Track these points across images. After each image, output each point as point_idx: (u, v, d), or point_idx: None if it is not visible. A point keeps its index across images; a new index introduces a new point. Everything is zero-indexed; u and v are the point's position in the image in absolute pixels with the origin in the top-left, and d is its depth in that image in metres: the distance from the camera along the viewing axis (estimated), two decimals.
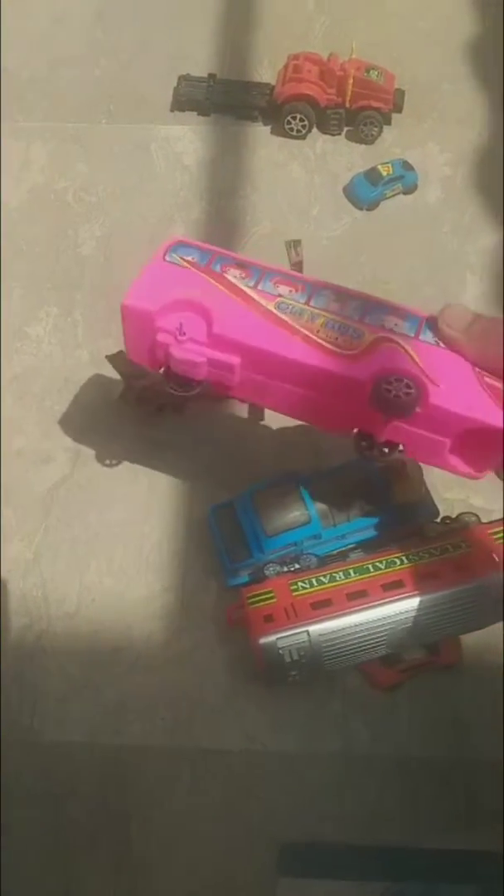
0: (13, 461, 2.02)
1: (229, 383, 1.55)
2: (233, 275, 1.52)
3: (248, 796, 1.67)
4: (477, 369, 1.42)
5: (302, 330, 1.46)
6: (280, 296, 1.50)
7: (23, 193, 2.44)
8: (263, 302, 1.49)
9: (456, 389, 1.41)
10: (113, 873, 1.63)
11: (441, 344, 1.44)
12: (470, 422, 1.41)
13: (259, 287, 1.51)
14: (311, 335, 1.46)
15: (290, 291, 1.50)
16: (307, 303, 1.49)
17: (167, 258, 1.55)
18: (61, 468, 2.01)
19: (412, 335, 1.44)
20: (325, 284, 1.52)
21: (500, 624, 1.71)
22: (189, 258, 1.54)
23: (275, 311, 1.48)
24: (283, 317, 1.47)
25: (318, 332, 1.46)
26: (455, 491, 1.91)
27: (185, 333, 1.48)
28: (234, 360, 1.49)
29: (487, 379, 1.41)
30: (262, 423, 2.03)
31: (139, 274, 1.55)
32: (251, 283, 1.51)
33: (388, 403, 1.41)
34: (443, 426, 1.44)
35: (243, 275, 1.52)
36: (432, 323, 1.45)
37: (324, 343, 1.44)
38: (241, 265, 1.54)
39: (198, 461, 2.00)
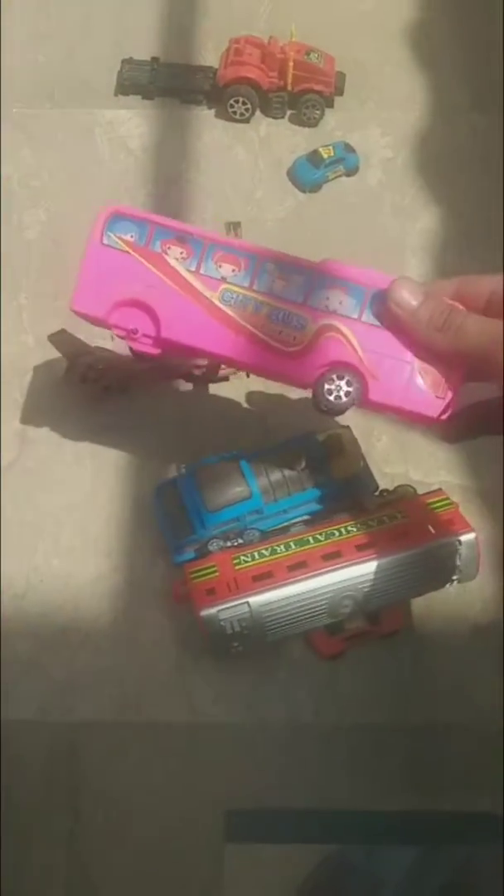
0: None
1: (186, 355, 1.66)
2: (174, 255, 1.52)
3: (195, 767, 1.70)
4: (414, 351, 1.44)
5: (247, 326, 1.50)
6: (223, 279, 1.51)
7: None
8: (208, 294, 1.51)
9: (394, 379, 1.44)
10: (65, 848, 1.65)
11: (384, 322, 1.45)
12: (407, 413, 1.47)
13: (202, 271, 1.51)
14: (256, 332, 1.49)
15: (234, 271, 1.51)
16: (251, 286, 1.50)
17: (105, 241, 1.54)
18: (8, 452, 2.02)
19: (356, 316, 1.45)
20: (267, 255, 1.51)
21: (439, 592, 1.76)
22: (128, 237, 1.53)
23: (220, 304, 1.50)
24: (229, 311, 1.50)
25: (263, 326, 1.49)
26: (395, 465, 1.95)
27: (137, 331, 1.53)
28: (187, 350, 1.56)
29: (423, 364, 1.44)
30: (209, 403, 2.06)
31: (81, 266, 1.55)
32: (193, 267, 1.51)
33: (329, 406, 1.48)
34: (386, 408, 1.50)
35: (184, 253, 1.52)
36: (379, 296, 1.44)
37: (269, 340, 1.48)
38: (180, 239, 1.53)
39: (144, 441, 2.02)
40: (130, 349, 1.64)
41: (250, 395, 2.04)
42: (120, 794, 1.68)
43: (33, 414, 2.07)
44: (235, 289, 1.50)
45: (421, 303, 1.36)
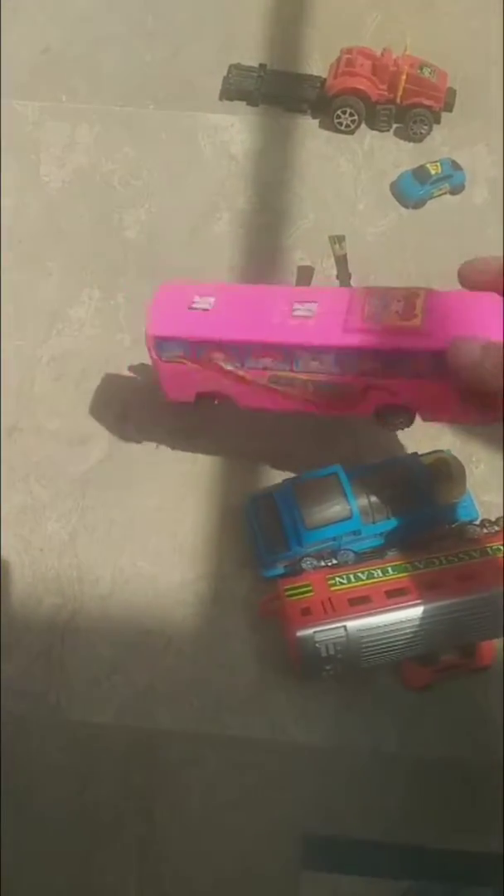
0: (49, 441, 2.02)
1: None
2: (218, 359, 1.67)
3: (273, 787, 1.67)
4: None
5: (301, 398, 1.66)
6: (267, 369, 1.64)
7: (66, 174, 2.43)
8: (258, 379, 1.66)
9: (443, 403, 1.53)
10: (136, 857, 1.63)
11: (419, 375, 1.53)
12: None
13: (247, 366, 1.65)
14: (310, 399, 1.67)
15: (273, 361, 1.63)
16: (291, 369, 1.62)
17: (164, 358, 1.70)
18: (98, 451, 2.01)
19: (388, 374, 1.54)
20: (293, 345, 1.59)
21: None
22: (177, 354, 1.68)
23: (271, 385, 1.66)
24: (282, 390, 1.66)
25: (313, 393, 1.65)
26: (493, 494, 1.90)
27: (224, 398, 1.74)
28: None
29: None
30: (302, 415, 2.03)
31: (160, 378, 1.76)
32: (238, 365, 1.66)
33: (390, 427, 1.66)
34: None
35: (225, 357, 1.65)
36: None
37: (323, 400, 1.65)
38: (218, 348, 1.65)
39: (234, 449, 2.00)
40: None
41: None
42: (195, 807, 1.66)
43: (126, 415, 2.06)
44: (280, 374, 1.63)
45: (481, 358, 1.39)
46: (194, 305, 1.67)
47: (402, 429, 1.68)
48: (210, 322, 1.65)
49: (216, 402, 1.77)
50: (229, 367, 1.65)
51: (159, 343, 1.68)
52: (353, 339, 1.53)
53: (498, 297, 1.49)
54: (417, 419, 1.68)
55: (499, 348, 1.38)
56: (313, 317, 1.58)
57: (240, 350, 1.63)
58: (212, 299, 1.67)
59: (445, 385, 1.48)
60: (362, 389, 1.58)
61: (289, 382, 1.64)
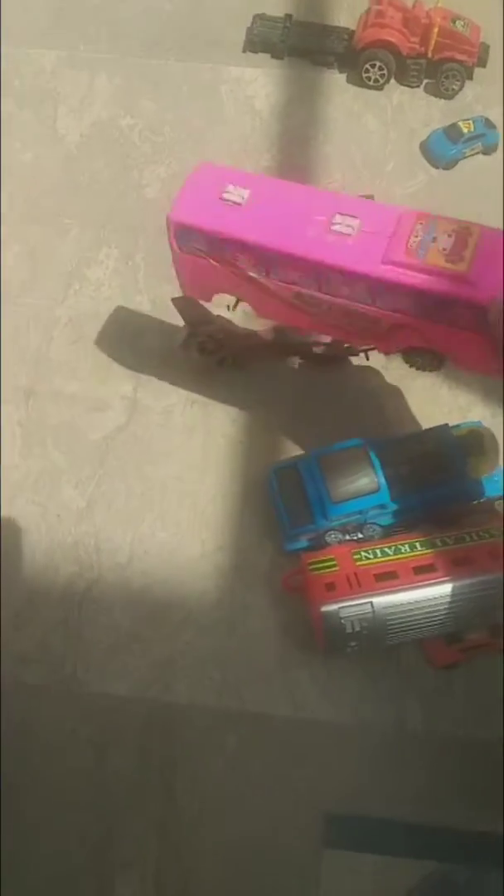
0: (66, 405, 1.98)
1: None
2: (242, 262, 1.60)
3: (294, 764, 1.65)
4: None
5: (323, 322, 1.61)
6: (294, 283, 1.59)
7: (84, 127, 2.35)
8: (282, 293, 1.60)
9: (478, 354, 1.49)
10: (155, 832, 1.61)
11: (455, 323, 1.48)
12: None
13: (272, 276, 1.59)
14: (335, 324, 1.62)
15: (300, 276, 1.57)
16: (320, 290, 1.56)
17: (185, 251, 1.65)
18: (117, 417, 1.96)
19: (423, 317, 1.51)
20: (327, 266, 1.54)
21: None
22: (199, 247, 1.62)
23: (295, 302, 1.60)
24: (306, 308, 1.59)
25: (338, 321, 1.61)
26: None
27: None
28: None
29: None
30: (325, 384, 1.97)
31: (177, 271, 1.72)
32: (263, 274, 1.59)
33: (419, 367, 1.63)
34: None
35: (250, 262, 1.59)
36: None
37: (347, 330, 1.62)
38: (243, 250, 1.58)
39: (257, 419, 1.95)
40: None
41: (367, 379, 1.94)
42: (215, 781, 1.64)
43: (144, 380, 2.01)
44: (305, 292, 1.57)
45: None
46: (226, 196, 1.57)
47: (430, 371, 1.63)
48: (239, 219, 1.56)
49: (232, 308, 1.73)
50: (252, 274, 1.55)
51: (181, 232, 1.57)
52: (391, 273, 1.45)
53: None
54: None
55: None
56: (354, 235, 1.49)
57: (266, 258, 1.54)
58: (247, 192, 1.57)
59: (482, 337, 1.41)
60: (391, 327, 1.50)
61: (314, 303, 1.53)
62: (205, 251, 1.57)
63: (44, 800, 1.61)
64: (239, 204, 1.54)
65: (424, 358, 1.55)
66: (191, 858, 1.59)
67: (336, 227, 1.50)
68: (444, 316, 1.43)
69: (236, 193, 1.56)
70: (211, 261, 1.59)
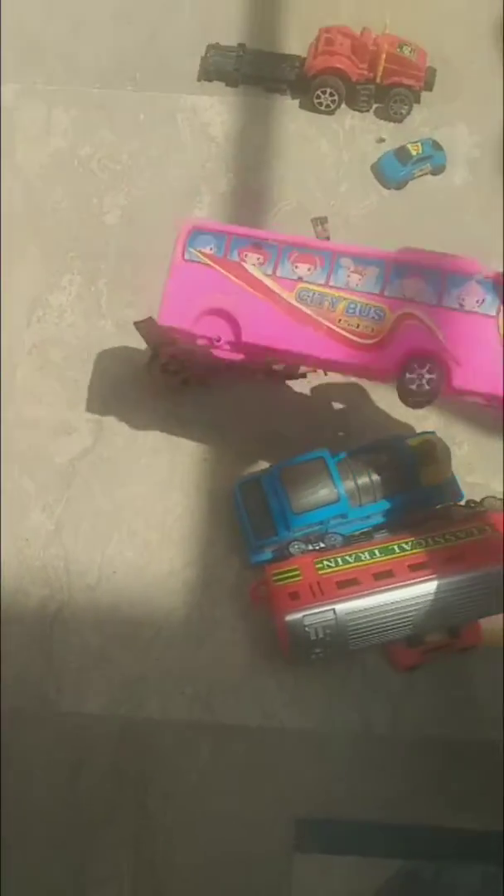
0: (32, 431, 2.01)
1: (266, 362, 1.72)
2: (251, 261, 1.59)
3: (265, 772, 1.68)
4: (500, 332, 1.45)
5: (325, 323, 1.54)
6: (300, 279, 1.54)
7: (43, 158, 2.40)
8: (285, 294, 1.56)
9: (480, 363, 1.46)
10: (131, 845, 1.63)
11: (464, 305, 1.46)
12: (494, 397, 1.47)
13: (278, 273, 1.57)
14: (333, 327, 1.53)
15: (310, 269, 1.55)
16: (327, 283, 1.53)
17: (187, 256, 1.62)
18: (83, 440, 1.99)
19: (434, 302, 1.48)
20: (342, 250, 1.56)
21: None
22: (207, 250, 1.61)
23: (297, 303, 1.55)
24: (306, 310, 1.55)
25: (339, 321, 1.53)
26: (477, 475, 1.91)
27: (220, 339, 1.62)
28: (267, 353, 1.63)
29: None
30: (287, 400, 2.02)
31: (166, 282, 1.64)
32: (270, 270, 1.57)
33: (412, 394, 1.51)
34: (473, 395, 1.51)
35: (261, 258, 1.58)
36: (456, 280, 1.45)
37: (347, 334, 1.52)
38: (257, 246, 1.59)
39: (221, 436, 1.99)
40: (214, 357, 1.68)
41: (329, 392, 2.00)
42: (188, 794, 1.66)
43: (110, 402, 2.04)
44: (311, 287, 1.55)
45: None
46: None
47: (425, 403, 1.53)
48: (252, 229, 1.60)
49: (210, 343, 1.64)
50: (257, 274, 1.57)
51: (194, 234, 1.60)
52: (407, 255, 1.52)
53: None
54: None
55: None
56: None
57: (279, 250, 1.55)
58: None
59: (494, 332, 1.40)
60: (397, 320, 1.48)
61: (317, 300, 1.54)
62: (211, 253, 1.61)
63: (18, 820, 1.62)
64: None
65: (423, 368, 1.49)
66: (165, 871, 1.61)
67: None
68: (455, 299, 1.46)
69: None
70: (216, 266, 1.61)
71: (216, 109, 2.46)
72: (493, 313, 1.37)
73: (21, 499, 1.89)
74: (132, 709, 1.67)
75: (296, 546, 1.64)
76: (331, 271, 1.49)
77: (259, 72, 2.50)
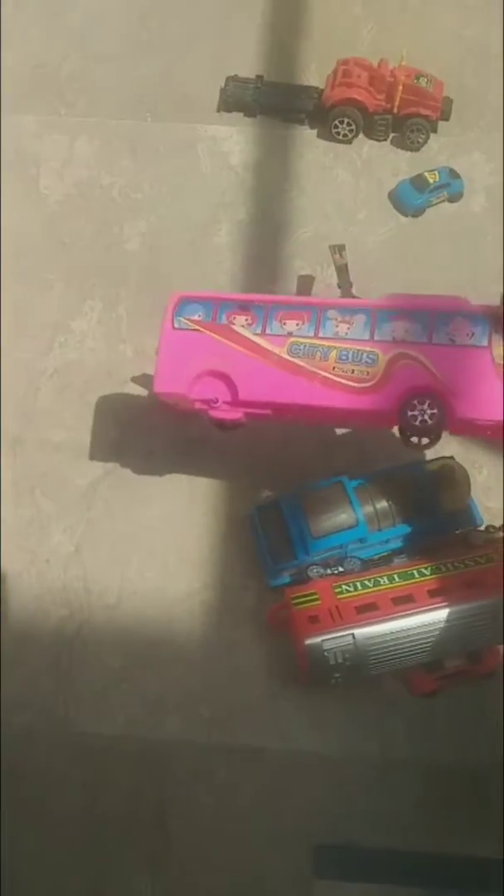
0: (53, 454, 2.04)
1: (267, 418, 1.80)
2: (240, 323, 1.70)
3: (283, 795, 1.68)
4: (496, 361, 1.49)
5: (320, 372, 1.62)
6: (290, 335, 1.65)
7: (67, 187, 2.46)
8: (277, 350, 1.66)
9: (479, 392, 1.49)
10: (149, 869, 1.63)
11: (455, 340, 1.50)
12: (496, 423, 1.50)
13: (267, 332, 1.67)
14: (329, 375, 1.62)
15: (298, 325, 1.66)
16: (316, 335, 1.63)
17: (176, 325, 1.73)
18: (103, 463, 2.02)
19: (425, 340, 1.53)
20: (327, 303, 1.63)
21: None
22: (195, 317, 1.72)
23: (289, 357, 1.65)
24: (299, 362, 1.64)
25: (334, 368, 1.62)
26: (497, 499, 1.91)
27: (217, 400, 1.70)
28: (265, 410, 1.72)
29: None
30: (303, 424, 2.03)
31: (159, 351, 1.75)
32: (259, 330, 1.68)
33: (417, 430, 1.55)
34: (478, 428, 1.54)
35: (249, 319, 1.70)
36: (444, 318, 1.52)
37: (343, 381, 1.59)
38: (243, 308, 1.70)
39: (239, 459, 2.01)
40: (209, 422, 1.81)
41: None
42: (207, 817, 1.66)
43: (129, 425, 2.08)
44: (302, 340, 1.63)
45: None
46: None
47: (429, 441, 1.59)
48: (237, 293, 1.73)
49: (207, 405, 1.75)
50: (247, 334, 1.61)
51: (182, 304, 1.69)
52: (391, 300, 1.56)
53: None
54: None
55: None
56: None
57: (266, 310, 1.63)
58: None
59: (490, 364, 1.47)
60: (390, 362, 1.54)
61: (309, 352, 1.58)
62: (200, 319, 1.68)
63: (38, 842, 1.63)
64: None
65: (423, 405, 1.53)
66: (184, 894, 1.61)
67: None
68: (446, 335, 1.51)
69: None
70: (205, 330, 1.67)
71: (235, 139, 2.52)
72: (486, 344, 1.42)
73: (42, 520, 1.91)
74: (150, 730, 1.68)
75: (314, 570, 1.65)
76: (319, 324, 1.57)
77: (277, 103, 2.56)
